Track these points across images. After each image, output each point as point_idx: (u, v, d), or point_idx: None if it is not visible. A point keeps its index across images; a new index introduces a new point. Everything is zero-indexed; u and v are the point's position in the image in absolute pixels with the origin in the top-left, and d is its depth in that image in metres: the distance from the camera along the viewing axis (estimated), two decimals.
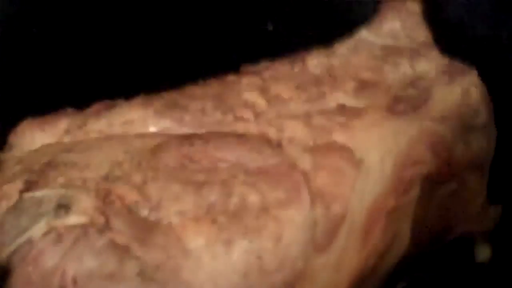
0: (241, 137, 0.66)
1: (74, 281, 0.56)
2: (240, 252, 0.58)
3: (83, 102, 0.75)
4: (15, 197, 0.61)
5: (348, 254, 0.61)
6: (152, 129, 0.69)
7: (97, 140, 0.67)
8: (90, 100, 0.75)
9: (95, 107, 0.74)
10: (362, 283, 0.62)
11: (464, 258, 0.79)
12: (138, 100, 0.73)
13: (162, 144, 0.65)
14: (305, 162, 0.65)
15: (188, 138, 0.65)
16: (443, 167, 0.70)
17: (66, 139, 0.70)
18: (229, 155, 0.64)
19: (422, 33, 0.82)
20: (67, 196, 0.60)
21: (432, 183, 0.70)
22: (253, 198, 0.61)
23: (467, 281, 0.78)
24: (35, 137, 0.71)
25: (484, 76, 0.75)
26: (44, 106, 0.76)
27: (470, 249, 0.79)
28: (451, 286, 0.78)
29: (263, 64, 0.80)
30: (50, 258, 0.57)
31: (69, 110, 0.74)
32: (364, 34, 0.83)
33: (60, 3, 0.90)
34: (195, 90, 0.75)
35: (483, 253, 0.79)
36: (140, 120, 0.70)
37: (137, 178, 0.62)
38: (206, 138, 0.65)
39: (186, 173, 0.63)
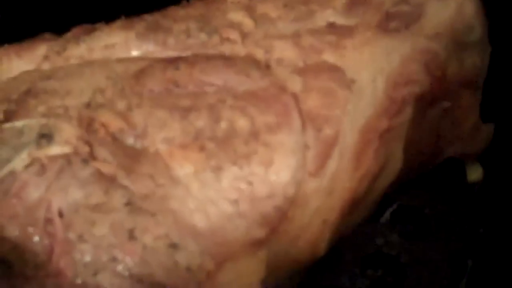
0: (228, 60, 0.64)
1: (60, 213, 0.54)
2: (229, 179, 0.56)
3: (61, 27, 0.72)
4: None
5: (341, 177, 0.60)
6: (135, 53, 0.66)
7: (78, 66, 0.64)
8: (68, 24, 0.72)
9: (74, 31, 0.71)
10: (355, 206, 0.61)
11: (455, 179, 0.78)
12: (119, 24, 0.70)
13: (145, 68, 0.62)
14: (294, 83, 0.63)
15: (172, 62, 0.62)
16: (436, 85, 0.68)
17: (45, 66, 0.67)
18: (216, 78, 0.61)
19: None
20: (49, 125, 0.58)
21: (424, 102, 0.68)
22: (242, 123, 0.59)
23: (458, 203, 0.77)
24: (12, 64, 0.68)
25: None
26: (21, 32, 0.73)
27: (461, 170, 0.79)
28: (443, 208, 0.78)
29: None
30: (34, 190, 0.55)
31: (47, 35, 0.71)
32: None
33: None
34: (178, 11, 0.72)
35: (475, 173, 0.78)
36: (121, 44, 0.67)
37: (121, 104, 0.60)
38: (191, 61, 0.63)
39: (172, 98, 0.60)
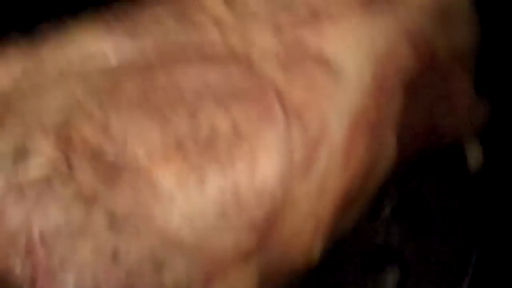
0: (206, 60, 0.61)
1: (42, 239, 0.52)
2: (215, 189, 0.54)
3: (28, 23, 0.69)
4: None
5: (331, 176, 0.58)
6: (113, 62, 0.64)
7: (54, 81, 0.62)
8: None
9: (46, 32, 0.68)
10: (349, 206, 0.59)
11: (455, 166, 0.76)
12: (93, 25, 0.67)
13: (123, 77, 0.60)
14: (277, 78, 0.60)
15: (150, 68, 0.60)
16: (425, 64, 0.66)
17: (17, 76, 0.64)
18: (195, 79, 0.59)
19: None
20: (25, 146, 0.56)
21: (415, 85, 0.65)
22: (224, 127, 0.56)
23: (461, 191, 0.75)
24: None
25: None
26: None
27: (461, 156, 0.76)
28: (445, 198, 0.75)
29: None
30: (14, 218, 0.53)
31: (18, 39, 0.68)
32: None
33: None
34: (155, 8, 0.69)
35: (475, 158, 0.76)
36: (99, 53, 0.65)
37: (99, 118, 0.58)
38: (169, 65, 0.60)
39: (151, 105, 0.58)
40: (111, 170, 0.55)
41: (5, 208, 0.53)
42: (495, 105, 0.73)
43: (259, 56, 0.62)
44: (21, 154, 0.55)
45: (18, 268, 0.51)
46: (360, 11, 0.65)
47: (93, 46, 0.65)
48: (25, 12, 0.74)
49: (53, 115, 0.58)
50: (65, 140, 0.56)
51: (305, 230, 0.56)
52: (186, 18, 0.66)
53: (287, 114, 0.58)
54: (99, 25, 0.66)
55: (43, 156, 0.55)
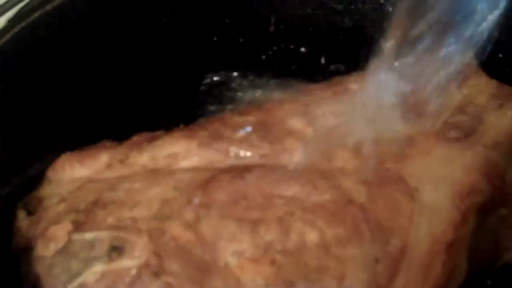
0: (294, 171, 0.64)
1: None
2: None
3: (120, 134, 0.73)
4: (63, 238, 0.59)
5: None
6: (197, 162, 0.67)
7: (143, 177, 0.65)
8: (125, 131, 0.74)
9: (135, 139, 0.72)
10: None
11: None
12: (179, 133, 0.71)
13: (212, 179, 0.63)
14: (359, 194, 0.63)
15: (239, 173, 0.63)
16: (496, 194, 0.68)
17: (108, 174, 0.67)
18: (283, 190, 0.62)
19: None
20: (120, 238, 0.58)
21: (485, 211, 0.68)
22: (312, 236, 0.59)
23: None
24: (74, 171, 0.69)
25: None
26: (81, 138, 0.74)
27: None
28: None
29: (301, 87, 0.78)
30: None
31: (108, 143, 0.72)
32: None
33: None
34: (236, 118, 0.73)
35: None
36: (184, 153, 0.68)
37: (189, 216, 0.60)
38: (258, 172, 0.63)
39: (240, 210, 0.60)
40: (200, 266, 0.57)
41: None
42: None
43: (341, 171, 0.65)
44: (115, 244, 0.58)
45: None
46: (437, 139, 0.68)
47: (177, 147, 0.68)
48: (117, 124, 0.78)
49: (144, 209, 0.61)
50: (157, 235, 0.58)
51: None
52: (268, 129, 0.69)
53: (371, 230, 0.60)
54: (187, 135, 0.70)
55: (136, 248, 0.57)
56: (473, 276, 0.71)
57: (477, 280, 0.74)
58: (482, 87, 0.74)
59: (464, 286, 0.68)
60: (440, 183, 0.65)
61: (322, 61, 0.94)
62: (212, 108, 0.74)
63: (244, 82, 0.81)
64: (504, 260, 0.76)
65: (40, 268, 0.59)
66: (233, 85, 0.77)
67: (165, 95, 0.86)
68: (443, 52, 0.70)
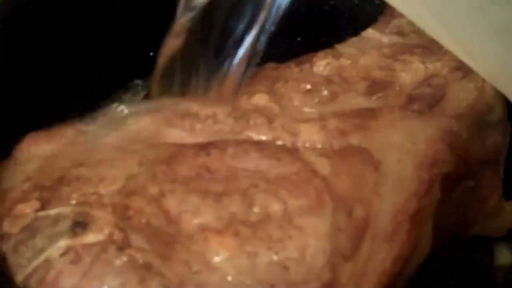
0: (257, 144, 0.64)
1: None
2: (265, 264, 0.56)
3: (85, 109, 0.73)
4: (29, 216, 0.59)
5: (374, 260, 0.60)
6: (162, 138, 0.67)
7: (108, 153, 0.65)
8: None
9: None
10: None
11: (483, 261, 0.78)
12: (146, 109, 0.71)
13: (177, 154, 0.63)
14: (323, 167, 0.63)
15: (203, 148, 0.63)
16: (460, 165, 0.69)
17: (73, 150, 0.67)
18: (247, 163, 0.62)
19: None
20: (84, 213, 0.58)
21: (450, 182, 0.68)
22: (275, 207, 0.59)
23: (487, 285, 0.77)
24: (39, 149, 0.68)
25: None
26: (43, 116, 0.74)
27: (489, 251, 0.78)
28: None
29: (269, 66, 0.78)
30: (69, 279, 0.55)
31: (75, 121, 0.72)
32: (370, 32, 0.81)
33: None
34: (201, 96, 0.73)
35: (503, 255, 0.78)
36: (149, 129, 0.68)
37: (154, 191, 0.60)
38: (222, 146, 0.63)
39: (204, 183, 0.61)
40: (165, 240, 0.57)
41: (62, 269, 0.55)
42: None
43: (305, 145, 0.66)
44: (79, 220, 0.58)
45: None
46: (401, 112, 0.69)
47: (144, 124, 0.68)
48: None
49: (109, 185, 0.61)
50: (121, 210, 0.59)
51: None
52: (234, 106, 0.70)
53: (333, 200, 0.61)
54: (152, 111, 0.70)
55: (100, 223, 0.57)
56: (443, 249, 0.73)
57: (446, 253, 0.76)
58: (446, 61, 0.74)
59: (434, 259, 0.70)
60: (404, 154, 0.66)
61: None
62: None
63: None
64: (473, 233, 0.77)
65: (5, 246, 0.59)
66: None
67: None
68: None
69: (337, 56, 0.76)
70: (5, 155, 0.70)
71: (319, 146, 0.66)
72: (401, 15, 0.81)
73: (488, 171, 0.74)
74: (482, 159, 0.73)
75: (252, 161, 0.62)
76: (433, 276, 0.75)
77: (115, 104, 0.72)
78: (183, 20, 0.70)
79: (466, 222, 0.74)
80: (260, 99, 0.70)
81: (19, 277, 0.56)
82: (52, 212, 0.58)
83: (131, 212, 0.58)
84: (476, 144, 0.72)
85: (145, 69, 0.79)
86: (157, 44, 0.74)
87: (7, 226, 0.60)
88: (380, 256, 0.60)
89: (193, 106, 0.70)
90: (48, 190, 0.61)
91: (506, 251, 0.78)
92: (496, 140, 0.74)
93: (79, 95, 0.84)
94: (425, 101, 0.70)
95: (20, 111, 0.77)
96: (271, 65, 0.78)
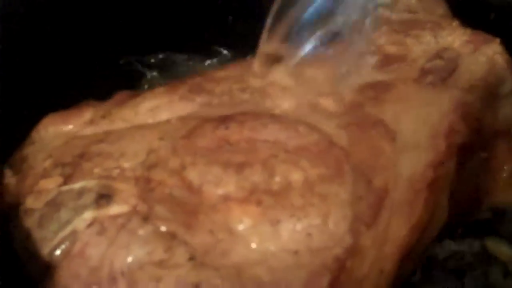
0: (275, 116, 0.65)
1: (123, 271, 0.54)
2: (288, 231, 0.57)
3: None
4: (53, 191, 0.60)
5: (394, 227, 0.60)
6: (180, 114, 0.68)
7: (128, 130, 0.66)
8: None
9: (117, 97, 0.73)
10: (408, 256, 0.61)
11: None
12: (161, 88, 0.72)
13: (196, 127, 0.64)
14: (341, 138, 0.64)
15: (222, 121, 0.64)
16: (473, 136, 0.70)
17: (92, 129, 0.68)
18: (266, 134, 0.63)
19: (439, 6, 0.82)
20: (107, 186, 0.59)
21: (464, 153, 0.69)
22: (296, 176, 0.60)
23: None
24: (58, 129, 0.69)
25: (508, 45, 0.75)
26: (65, 100, 0.74)
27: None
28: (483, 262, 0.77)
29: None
30: (96, 250, 0.55)
31: (91, 101, 0.73)
32: (381, 10, 0.82)
33: None
34: (218, 73, 0.74)
35: (502, 252, 0.78)
36: (166, 106, 0.69)
37: (175, 163, 0.61)
38: (240, 119, 0.64)
39: (225, 155, 0.61)
40: (189, 210, 0.58)
41: (88, 240, 0.56)
42: None
43: (322, 117, 0.66)
44: (103, 192, 0.58)
45: None
46: (414, 84, 0.70)
47: (160, 100, 0.69)
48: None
49: (130, 159, 0.62)
50: (143, 182, 0.59)
51: (371, 275, 0.58)
52: (249, 80, 0.70)
53: (353, 170, 0.61)
54: (168, 90, 0.71)
55: (124, 196, 0.58)
56: (457, 220, 0.73)
57: (461, 224, 0.76)
58: (457, 35, 0.75)
59: (447, 229, 0.70)
60: (419, 125, 0.67)
61: None
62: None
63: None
64: (488, 205, 0.78)
65: (30, 221, 0.59)
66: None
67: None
68: None
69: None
70: (24, 136, 0.71)
71: (335, 118, 0.66)
72: None
73: (500, 142, 0.74)
74: (494, 130, 0.74)
75: (271, 133, 0.63)
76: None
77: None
78: None
79: (477, 193, 0.75)
80: (275, 73, 0.71)
81: (45, 250, 0.57)
82: (76, 186, 0.59)
83: (153, 184, 0.59)
84: (488, 116, 0.73)
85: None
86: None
87: (31, 202, 0.61)
88: (399, 223, 0.60)
89: (208, 83, 0.71)
90: (70, 166, 0.62)
91: (506, 248, 0.78)
92: (508, 111, 0.75)
93: (93, 81, 0.85)
94: (438, 73, 0.71)
95: (37, 95, 0.78)
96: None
